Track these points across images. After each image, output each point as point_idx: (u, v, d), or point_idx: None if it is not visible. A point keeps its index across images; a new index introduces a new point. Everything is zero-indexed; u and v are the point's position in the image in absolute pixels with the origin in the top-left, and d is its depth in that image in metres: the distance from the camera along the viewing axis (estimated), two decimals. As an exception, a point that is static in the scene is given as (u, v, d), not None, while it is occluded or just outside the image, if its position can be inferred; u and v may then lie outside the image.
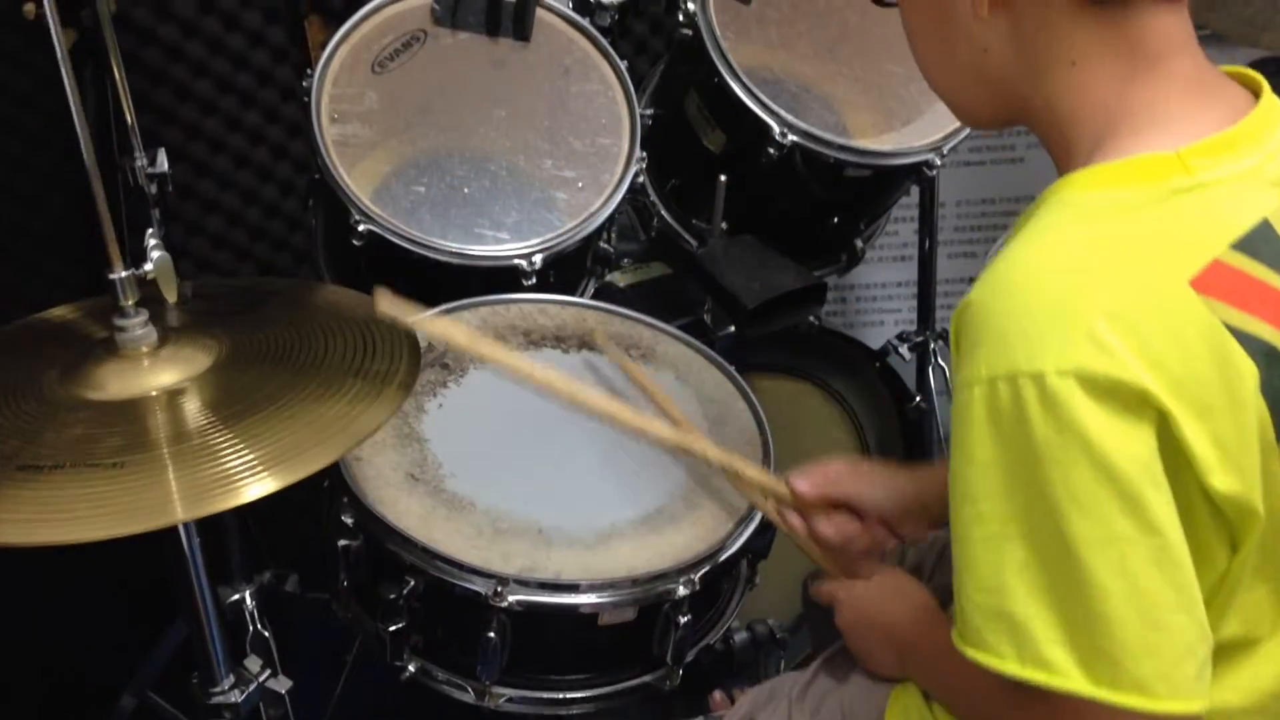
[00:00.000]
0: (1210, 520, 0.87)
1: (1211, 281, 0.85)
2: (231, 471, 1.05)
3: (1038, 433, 0.82)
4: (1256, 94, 0.97)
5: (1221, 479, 0.84)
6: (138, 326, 1.13)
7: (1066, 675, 0.85)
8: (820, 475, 1.30)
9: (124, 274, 1.10)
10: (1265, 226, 0.89)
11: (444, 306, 1.58)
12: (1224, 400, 0.84)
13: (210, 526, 1.33)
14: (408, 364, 1.20)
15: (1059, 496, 0.82)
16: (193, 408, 1.13)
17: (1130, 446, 0.82)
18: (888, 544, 1.29)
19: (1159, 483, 0.83)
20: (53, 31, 1.00)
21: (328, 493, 1.38)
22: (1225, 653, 0.92)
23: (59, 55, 1.00)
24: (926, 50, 1.03)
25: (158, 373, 1.15)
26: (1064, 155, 0.96)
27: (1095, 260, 0.85)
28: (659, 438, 1.36)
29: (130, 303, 1.12)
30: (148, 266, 1.11)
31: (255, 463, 1.06)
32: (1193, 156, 0.88)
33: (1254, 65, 2.08)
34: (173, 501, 1.03)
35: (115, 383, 1.14)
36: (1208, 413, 0.83)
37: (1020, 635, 0.86)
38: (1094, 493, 0.82)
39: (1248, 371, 0.84)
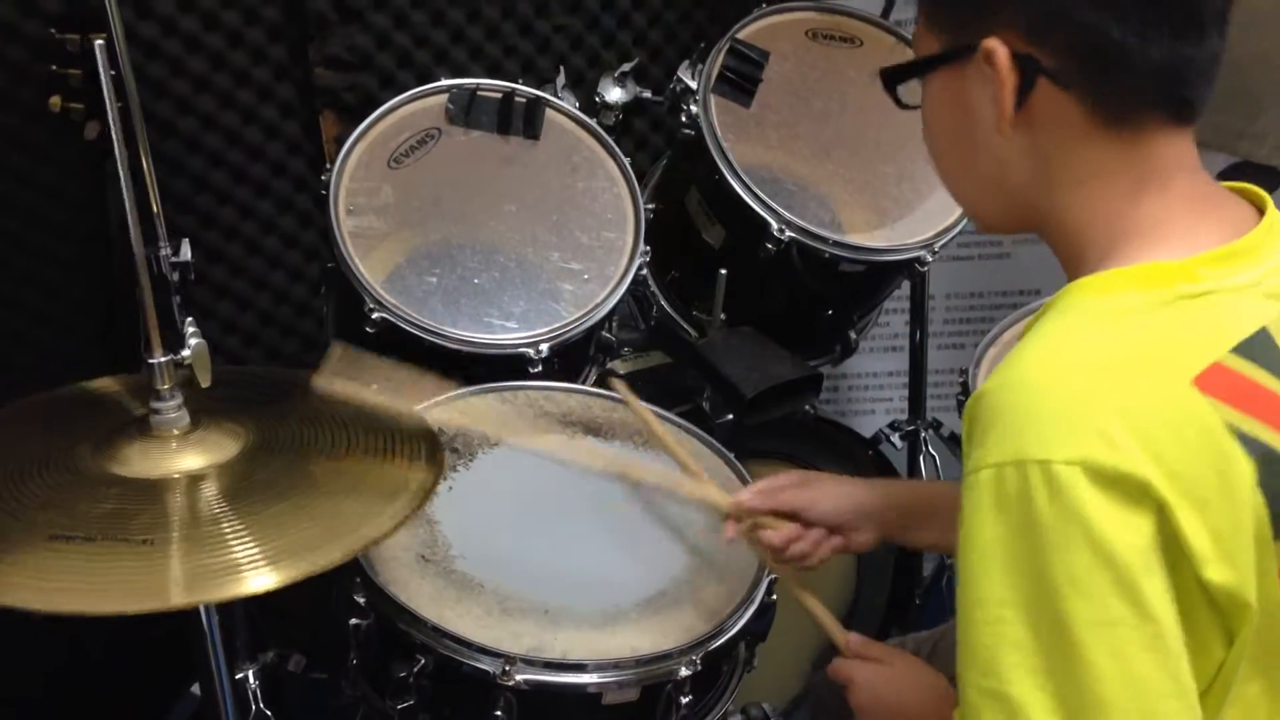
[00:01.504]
0: (1206, 612, 0.88)
1: (1213, 382, 0.88)
2: (236, 562, 1.08)
3: (1041, 516, 0.85)
4: (1261, 209, 1.01)
5: (1216, 570, 0.86)
6: (172, 410, 1.18)
7: None
8: (766, 488, 1.37)
9: (162, 359, 1.15)
10: (1264, 334, 0.93)
11: (453, 393, 1.63)
12: (1221, 495, 0.87)
13: (218, 605, 1.37)
14: (427, 468, 1.24)
15: (1058, 579, 0.85)
16: (210, 494, 1.16)
17: (1129, 535, 0.84)
18: (834, 544, 1.35)
19: (1155, 571, 0.85)
20: (113, 133, 1.05)
21: (338, 573, 1.42)
22: None
23: (117, 152, 1.06)
24: (947, 158, 1.07)
25: (184, 456, 1.19)
26: (1075, 263, 1.01)
27: (1104, 359, 0.90)
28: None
29: (166, 386, 1.16)
30: (185, 352, 1.16)
31: (259, 556, 1.08)
32: (1198, 265, 0.93)
33: (1230, 169, 2.18)
34: (169, 586, 1.05)
35: (141, 461, 1.18)
36: (1205, 506, 0.86)
37: (1016, 717, 0.87)
38: (1092, 576, 0.84)
39: (1246, 469, 0.87)
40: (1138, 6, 0.91)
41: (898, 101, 1.07)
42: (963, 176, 1.07)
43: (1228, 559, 0.87)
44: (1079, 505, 0.84)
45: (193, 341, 1.15)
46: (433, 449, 1.27)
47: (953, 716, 0.95)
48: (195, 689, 1.67)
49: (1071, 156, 0.97)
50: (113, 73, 1.59)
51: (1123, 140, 0.96)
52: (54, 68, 1.77)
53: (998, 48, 0.94)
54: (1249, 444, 0.88)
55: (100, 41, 1.11)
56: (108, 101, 1.07)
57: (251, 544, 1.09)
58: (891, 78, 1.06)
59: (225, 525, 1.12)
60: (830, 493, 1.36)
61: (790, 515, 1.36)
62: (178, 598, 1.05)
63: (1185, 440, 0.86)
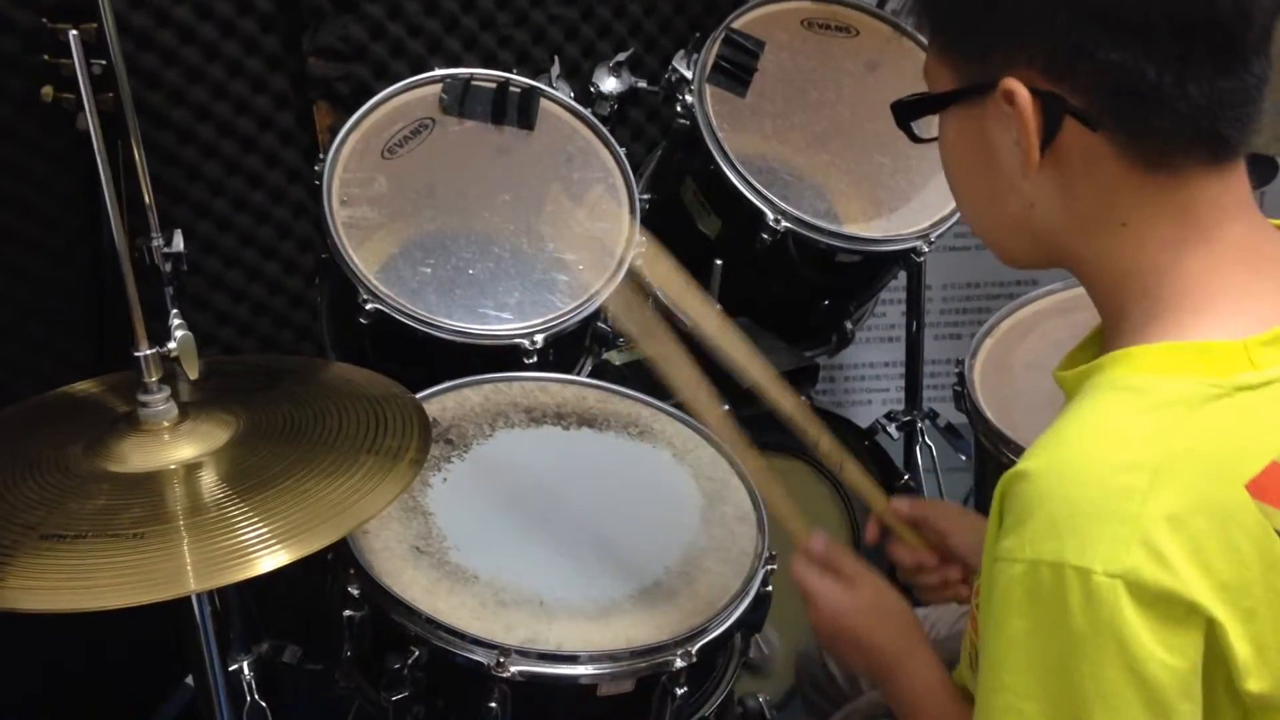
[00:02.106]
0: (1231, 709, 0.85)
1: (1267, 485, 0.84)
2: (245, 544, 1.09)
3: (1075, 624, 0.82)
4: None
5: (1256, 682, 0.83)
6: (160, 402, 1.18)
7: None
8: (923, 503, 1.31)
9: (149, 351, 1.15)
10: None
11: (450, 383, 1.63)
12: (1268, 605, 0.83)
13: (213, 596, 1.37)
14: (418, 441, 1.24)
15: (1086, 688, 0.82)
16: (210, 481, 1.17)
17: (1169, 657, 0.81)
18: (959, 591, 1.29)
19: (1192, 695, 0.82)
20: (90, 121, 1.05)
21: (332, 565, 1.41)
22: None
23: (95, 145, 1.05)
24: (969, 196, 1.01)
25: (178, 447, 1.19)
26: (1115, 314, 0.95)
27: (1154, 459, 0.83)
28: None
29: (154, 379, 1.16)
30: (171, 345, 1.15)
31: (269, 536, 1.09)
32: (1258, 349, 0.87)
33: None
34: (186, 573, 1.06)
35: (137, 456, 1.18)
36: (1251, 617, 0.82)
37: None
38: (1122, 693, 0.81)
39: None
40: (1173, 42, 0.84)
41: (912, 136, 1.01)
42: (987, 216, 1.00)
43: (1268, 668, 0.83)
44: (1117, 622, 0.80)
45: (179, 334, 1.14)
46: (422, 424, 1.27)
47: (927, 671, 0.94)
48: (190, 680, 1.66)
49: (1105, 200, 0.91)
50: (103, 63, 1.61)
51: (1160, 184, 0.89)
52: (45, 58, 1.77)
53: (1018, 88, 0.87)
54: None
55: (74, 32, 1.09)
56: (84, 91, 1.06)
57: (260, 525, 1.10)
58: (903, 113, 1.00)
59: (230, 510, 1.12)
60: (974, 527, 1.27)
61: (934, 538, 1.30)
62: (195, 583, 1.06)
63: (1236, 551, 0.82)
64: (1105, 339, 0.97)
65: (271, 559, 1.07)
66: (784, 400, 1.36)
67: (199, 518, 1.12)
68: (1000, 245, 1.02)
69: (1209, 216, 0.90)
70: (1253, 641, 0.82)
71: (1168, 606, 0.80)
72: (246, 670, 1.78)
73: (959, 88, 0.94)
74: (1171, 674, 0.81)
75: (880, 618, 1.18)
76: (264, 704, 1.74)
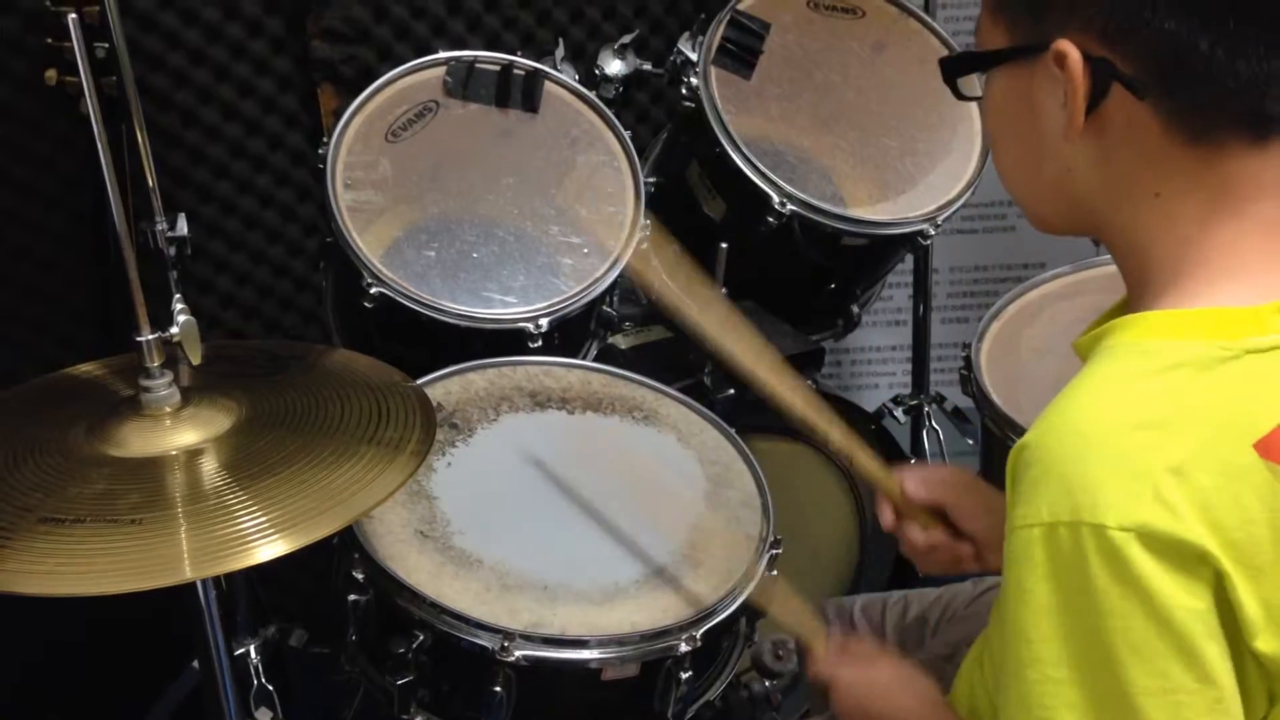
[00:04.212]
0: (1255, 672, 0.86)
1: (1275, 445, 0.84)
2: (244, 532, 1.07)
3: (1097, 582, 0.83)
4: None
5: (1266, 641, 0.84)
6: (162, 387, 1.17)
7: None
8: (932, 478, 1.29)
9: (151, 336, 1.14)
10: None
11: (454, 367, 1.62)
12: (1276, 563, 0.84)
13: (218, 580, 1.36)
14: (421, 432, 1.23)
15: (1117, 645, 0.83)
16: (210, 468, 1.16)
17: (1189, 601, 0.82)
18: (969, 566, 1.27)
19: (1216, 636, 0.83)
20: (90, 105, 1.04)
21: (338, 549, 1.42)
22: None
23: (95, 131, 1.05)
24: (1009, 158, 1.02)
25: (179, 433, 1.18)
26: (1138, 281, 0.96)
27: (1163, 417, 0.85)
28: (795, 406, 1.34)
29: (156, 364, 1.15)
30: (174, 330, 1.15)
31: (267, 525, 1.08)
32: (1270, 315, 0.88)
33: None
34: (183, 561, 1.05)
35: (137, 441, 1.17)
36: (1259, 575, 0.83)
37: None
38: (1152, 644, 0.82)
39: None
40: (1233, 17, 0.85)
41: (957, 92, 1.01)
42: (1024, 178, 1.01)
43: (1277, 628, 0.84)
44: (1136, 573, 0.81)
45: (181, 319, 1.13)
46: (426, 414, 1.26)
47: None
48: (196, 664, 1.67)
49: (1142, 170, 0.92)
50: (106, 46, 1.60)
51: (1198, 157, 0.90)
52: (49, 40, 1.76)
53: (1070, 50, 0.88)
54: None
55: (74, 16, 1.09)
56: (84, 76, 1.06)
57: (259, 514, 1.09)
58: (951, 68, 1.00)
59: (230, 497, 1.11)
60: (988, 502, 1.27)
61: (941, 512, 1.28)
62: (191, 571, 1.05)
63: (1243, 508, 0.83)
64: (1128, 308, 0.97)
65: (269, 549, 1.06)
66: (792, 393, 1.33)
67: (198, 505, 1.11)
68: (1034, 209, 1.03)
69: (1243, 192, 0.90)
70: (1261, 600, 0.83)
71: (1180, 555, 0.81)
72: (253, 654, 1.78)
73: (1011, 46, 0.94)
74: (1193, 616, 0.82)
75: (901, 684, 1.20)
76: (270, 687, 1.74)
